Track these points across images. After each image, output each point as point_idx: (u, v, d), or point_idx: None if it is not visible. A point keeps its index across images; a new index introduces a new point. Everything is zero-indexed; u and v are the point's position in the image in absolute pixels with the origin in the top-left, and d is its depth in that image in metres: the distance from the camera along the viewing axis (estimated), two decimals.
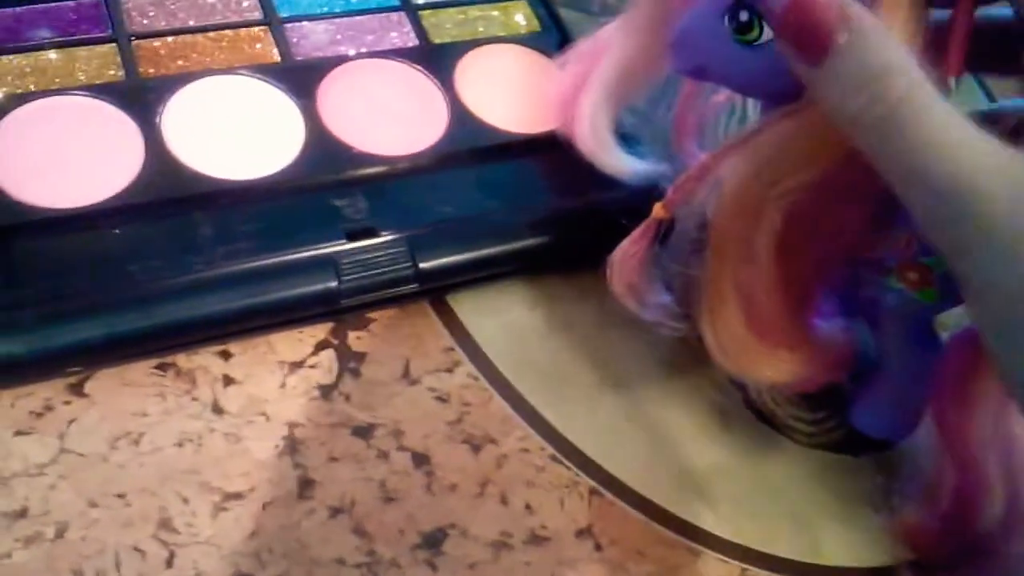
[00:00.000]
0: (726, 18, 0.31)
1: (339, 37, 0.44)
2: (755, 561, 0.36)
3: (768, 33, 0.30)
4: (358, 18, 0.45)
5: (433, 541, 0.34)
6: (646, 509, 0.36)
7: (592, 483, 0.37)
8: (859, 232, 0.33)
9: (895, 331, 0.36)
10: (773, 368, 0.34)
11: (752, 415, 0.40)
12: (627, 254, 0.35)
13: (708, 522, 0.37)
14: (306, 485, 0.34)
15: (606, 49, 0.38)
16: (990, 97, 0.52)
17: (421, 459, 0.36)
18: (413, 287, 0.38)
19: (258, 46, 0.42)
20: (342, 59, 0.43)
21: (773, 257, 0.32)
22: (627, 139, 0.40)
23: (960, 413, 0.34)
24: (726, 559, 0.36)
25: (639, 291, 0.36)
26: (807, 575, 0.36)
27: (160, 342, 0.35)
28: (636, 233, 0.35)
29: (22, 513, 0.32)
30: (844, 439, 0.40)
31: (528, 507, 0.36)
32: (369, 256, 0.37)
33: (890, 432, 0.39)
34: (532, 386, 0.38)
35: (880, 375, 0.38)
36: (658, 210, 0.34)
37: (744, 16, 0.30)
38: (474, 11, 0.47)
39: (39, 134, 0.38)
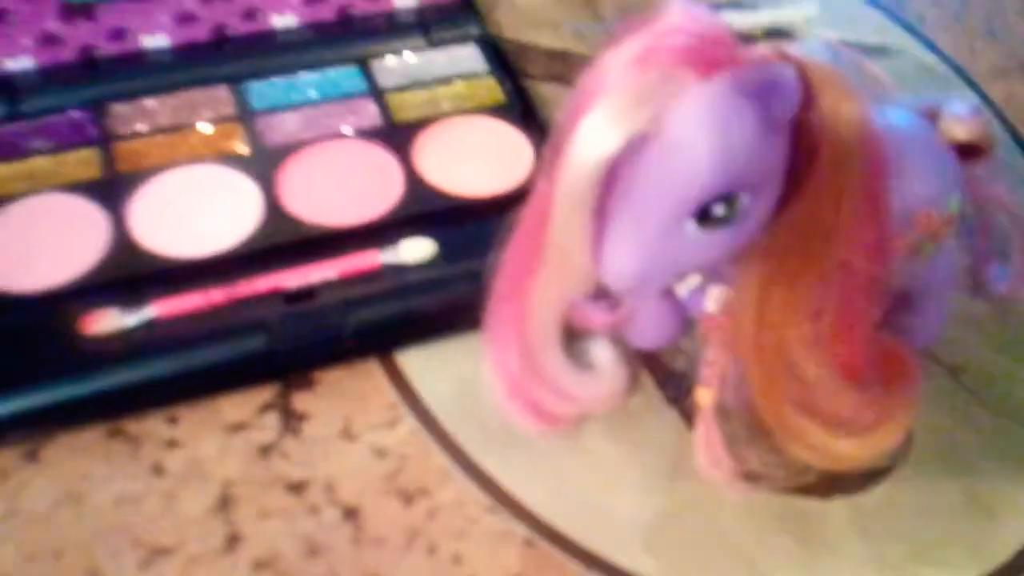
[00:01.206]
0: (693, 221, 0.28)
1: (307, 123, 0.46)
2: None
3: (746, 199, 0.28)
4: (327, 105, 0.47)
5: None
6: (584, 558, 0.35)
7: (528, 533, 0.36)
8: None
9: (931, 272, 0.37)
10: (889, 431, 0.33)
11: None
12: (709, 449, 0.35)
13: (650, 570, 0.35)
14: (233, 540, 0.35)
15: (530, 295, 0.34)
16: None
17: (351, 512, 0.36)
18: (349, 346, 0.39)
19: (229, 138, 0.45)
20: (306, 142, 0.45)
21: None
22: None
23: None
24: None
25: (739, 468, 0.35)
26: None
27: (102, 409, 0.37)
28: (702, 429, 0.35)
29: None
30: (818, 481, 0.37)
31: (456, 558, 0.35)
32: (307, 318, 0.39)
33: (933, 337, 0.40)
34: (474, 437, 0.38)
35: (926, 304, 0.38)
36: (704, 394, 0.34)
37: (720, 209, 0.27)
38: (441, 90, 0.48)
39: (17, 229, 0.41)
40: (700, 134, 0.26)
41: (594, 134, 0.27)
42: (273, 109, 0.47)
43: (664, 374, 0.40)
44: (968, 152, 0.35)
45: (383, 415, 0.39)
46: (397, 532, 0.35)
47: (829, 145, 0.28)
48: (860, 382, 0.31)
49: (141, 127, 0.46)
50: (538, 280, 0.32)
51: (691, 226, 0.27)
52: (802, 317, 0.30)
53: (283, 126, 0.46)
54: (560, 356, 0.35)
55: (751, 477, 0.34)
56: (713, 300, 0.33)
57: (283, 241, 0.41)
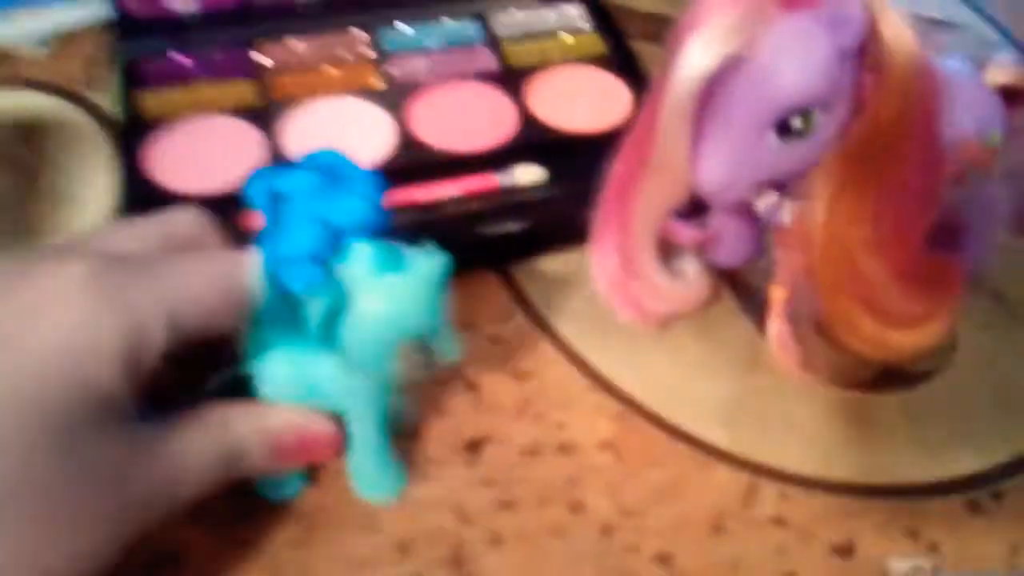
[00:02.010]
0: (773, 133, 0.34)
1: (433, 66, 0.53)
2: (764, 474, 0.40)
3: (819, 116, 0.33)
4: (450, 51, 0.54)
5: (475, 446, 0.40)
6: (666, 428, 0.41)
7: (620, 408, 0.42)
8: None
9: (977, 201, 0.42)
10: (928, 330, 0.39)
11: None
12: (780, 339, 0.41)
13: (723, 441, 0.41)
14: None
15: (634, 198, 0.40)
16: None
17: (472, 385, 0.42)
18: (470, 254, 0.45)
19: (365, 76, 0.52)
20: (431, 82, 0.52)
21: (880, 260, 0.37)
22: None
23: None
24: (736, 470, 0.40)
25: (806, 358, 0.41)
26: (814, 488, 0.40)
27: None
28: (775, 322, 0.40)
29: None
30: (872, 378, 0.43)
31: (560, 424, 0.41)
32: (434, 227, 0.45)
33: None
34: (575, 331, 0.44)
35: (976, 230, 0.43)
36: (778, 291, 0.40)
37: (798, 123, 0.33)
38: (550, 42, 0.55)
39: (187, 144, 0.48)
40: (784, 58, 0.33)
41: (695, 54, 0.33)
42: (404, 51, 0.54)
43: (743, 288, 0.46)
44: (1011, 97, 0.41)
45: (498, 312, 0.45)
46: (510, 402, 0.42)
47: (890, 70, 0.34)
48: (910, 282, 0.37)
49: (290, 63, 0.53)
50: (642, 187, 0.38)
51: (772, 137, 0.34)
52: (864, 223, 0.36)
53: (412, 67, 0.53)
54: (655, 260, 0.41)
55: (815, 367, 0.40)
56: (788, 213, 0.39)
57: (413, 163, 0.48)
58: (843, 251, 0.36)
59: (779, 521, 0.39)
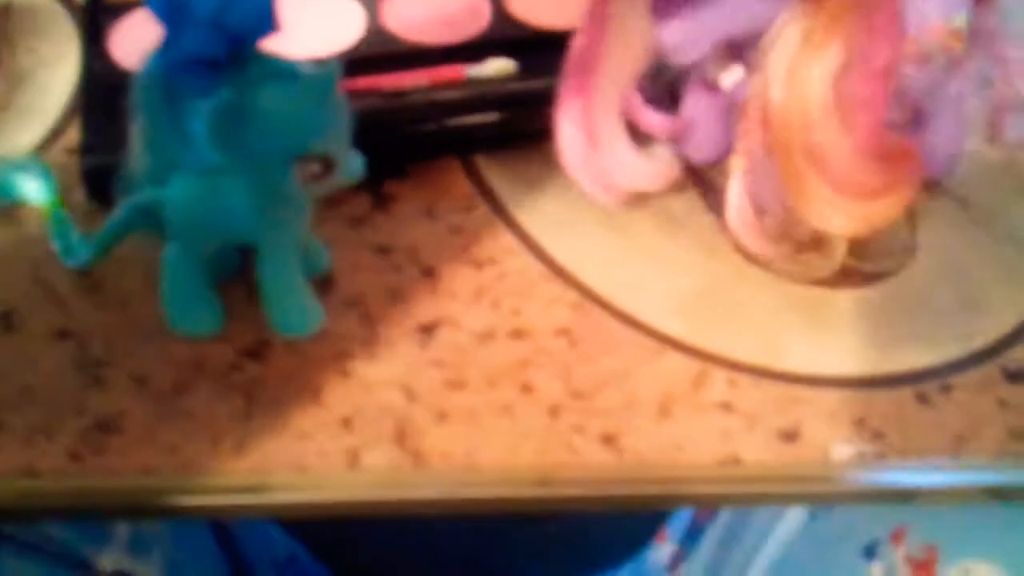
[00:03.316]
0: None
1: None
2: (714, 362, 0.40)
3: None
4: None
5: (428, 328, 0.40)
6: (622, 317, 0.41)
7: (578, 298, 0.42)
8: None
9: (943, 87, 0.42)
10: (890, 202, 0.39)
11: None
12: (739, 210, 0.40)
13: (678, 330, 0.41)
14: (326, 283, 0.41)
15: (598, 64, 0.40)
16: None
17: (429, 271, 0.42)
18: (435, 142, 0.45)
19: None
20: None
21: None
22: None
23: None
24: (688, 358, 0.40)
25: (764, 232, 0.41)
26: (764, 377, 0.39)
27: None
28: (733, 191, 0.40)
29: None
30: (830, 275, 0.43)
31: (515, 311, 0.41)
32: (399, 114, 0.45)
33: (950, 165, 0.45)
34: (537, 223, 0.44)
35: (938, 122, 0.43)
36: (737, 163, 0.40)
37: None
38: None
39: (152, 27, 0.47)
40: None
41: None
42: None
43: (708, 185, 0.46)
44: None
45: (461, 202, 0.45)
46: (468, 289, 0.42)
47: None
48: (868, 154, 0.37)
49: None
50: (604, 53, 0.38)
51: None
52: (824, 87, 0.36)
53: None
54: (621, 131, 0.40)
55: (773, 242, 0.40)
56: (753, 87, 0.38)
57: (382, 52, 0.47)
58: (802, 114, 0.36)
59: (726, 406, 0.38)
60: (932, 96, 0.41)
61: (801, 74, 0.35)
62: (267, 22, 0.32)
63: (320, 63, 0.33)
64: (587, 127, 0.40)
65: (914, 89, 0.40)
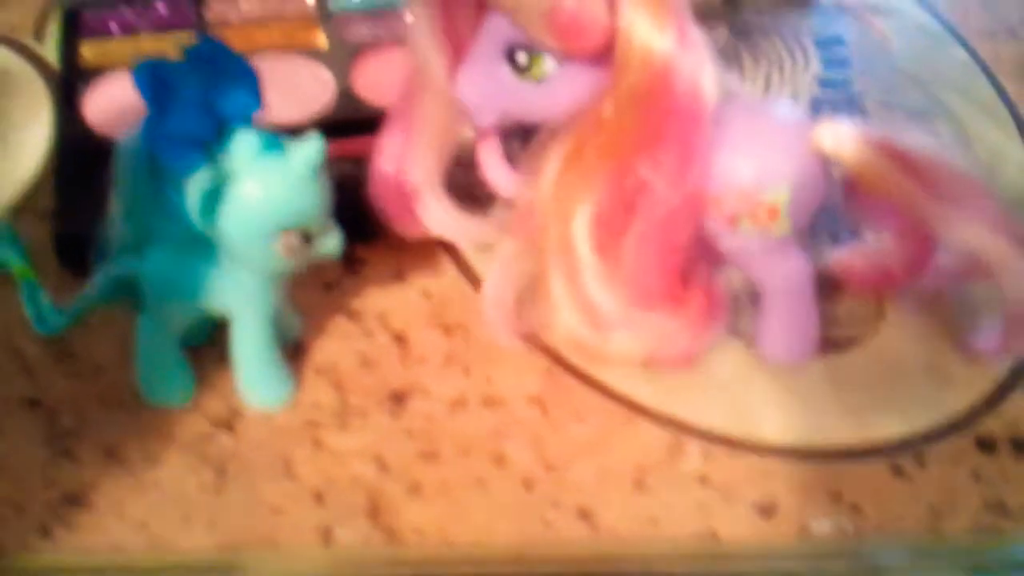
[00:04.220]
0: (507, 63, 0.35)
1: (375, 28, 0.53)
2: (688, 432, 0.40)
3: (551, 64, 0.34)
4: (392, 13, 0.54)
5: (399, 397, 0.40)
6: (594, 385, 0.41)
7: (549, 364, 0.42)
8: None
9: (767, 266, 0.40)
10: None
11: None
12: (496, 297, 0.41)
13: (649, 398, 0.41)
14: (297, 350, 0.41)
15: (416, 115, 0.40)
16: None
17: (400, 337, 0.42)
18: None
19: (309, 33, 0.52)
20: (373, 43, 0.52)
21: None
22: None
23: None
24: (661, 428, 0.40)
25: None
26: (738, 447, 0.39)
27: None
28: (495, 274, 0.41)
29: None
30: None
31: (488, 379, 0.41)
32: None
33: (798, 352, 0.42)
34: None
35: (769, 307, 0.41)
36: (507, 247, 0.40)
37: (523, 58, 0.34)
38: None
39: (127, 93, 0.47)
40: None
41: None
42: (348, 12, 0.53)
43: None
44: (852, 187, 0.38)
45: (430, 266, 0.45)
46: (438, 355, 0.42)
47: (622, 70, 0.34)
48: (633, 296, 0.38)
49: (234, 17, 0.52)
50: (420, 104, 0.39)
51: (506, 67, 0.35)
52: (589, 200, 0.36)
53: (356, 28, 0.53)
54: (434, 180, 0.41)
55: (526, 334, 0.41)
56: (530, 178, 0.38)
57: (351, 117, 0.47)
58: (562, 220, 0.36)
59: (702, 479, 0.38)
60: (764, 273, 0.40)
61: (570, 175, 0.35)
62: (253, 102, 0.32)
63: (304, 138, 0.33)
64: (399, 167, 0.40)
65: (733, 256, 0.39)
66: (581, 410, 0.40)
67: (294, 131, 0.45)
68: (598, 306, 0.38)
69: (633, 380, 0.41)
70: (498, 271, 0.40)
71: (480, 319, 0.43)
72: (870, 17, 0.60)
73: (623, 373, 0.41)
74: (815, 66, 0.56)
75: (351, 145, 0.45)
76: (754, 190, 0.36)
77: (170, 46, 0.50)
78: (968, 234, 0.37)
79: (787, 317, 0.42)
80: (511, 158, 0.40)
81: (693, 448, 0.39)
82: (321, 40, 0.52)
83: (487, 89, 0.35)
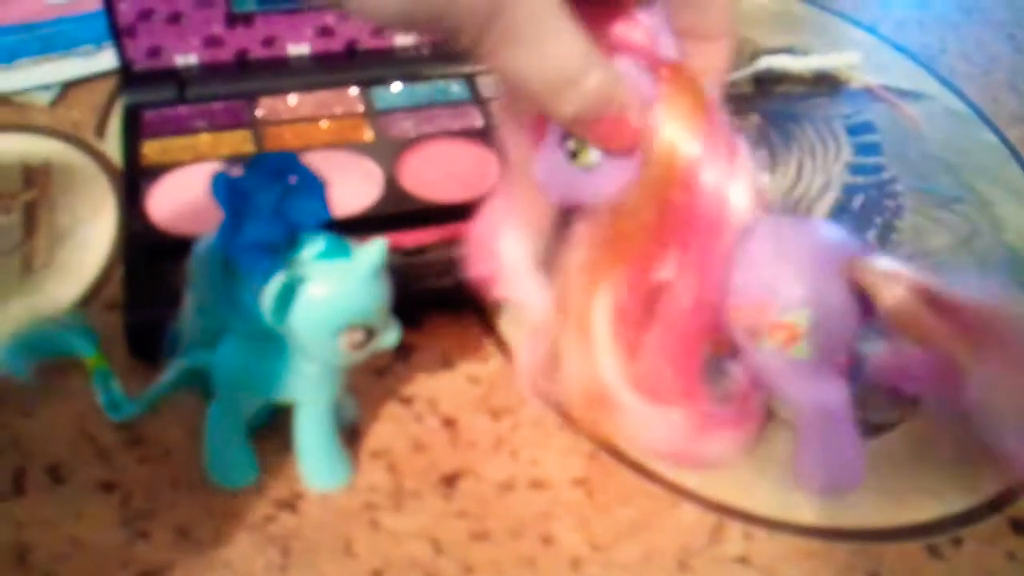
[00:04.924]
0: (562, 151, 0.37)
1: (421, 122, 0.55)
2: (729, 514, 0.41)
3: (595, 154, 0.36)
4: (437, 108, 0.57)
5: (450, 480, 0.42)
6: (637, 468, 0.43)
7: (593, 448, 0.43)
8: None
9: (795, 390, 0.39)
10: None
11: None
12: (528, 369, 0.43)
13: (691, 481, 0.42)
14: (352, 434, 0.43)
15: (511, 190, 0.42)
16: None
17: (449, 422, 0.44)
18: (451, 296, 0.47)
19: (357, 130, 0.55)
20: (420, 138, 0.54)
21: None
22: None
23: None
24: (703, 510, 0.41)
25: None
26: (778, 529, 0.41)
27: None
28: (525, 350, 0.43)
29: None
30: None
31: (534, 462, 0.43)
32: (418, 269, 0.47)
33: (836, 483, 0.42)
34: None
35: (803, 433, 0.41)
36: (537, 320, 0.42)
37: (572, 145, 0.37)
38: None
39: (183, 190, 0.50)
40: None
41: None
42: (395, 108, 0.56)
43: None
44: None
45: (476, 352, 0.47)
46: (486, 439, 0.43)
47: (648, 173, 0.36)
48: (652, 388, 0.39)
49: (285, 116, 0.55)
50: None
51: (562, 155, 0.37)
52: (610, 286, 0.38)
53: (402, 123, 0.55)
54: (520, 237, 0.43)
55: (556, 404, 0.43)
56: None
57: (399, 211, 0.50)
58: (583, 300, 0.38)
59: (743, 560, 0.40)
60: (793, 396, 0.39)
61: (597, 261, 0.38)
62: (323, 210, 0.34)
63: (368, 242, 0.35)
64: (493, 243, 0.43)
65: (761, 373, 0.39)
66: (625, 493, 0.42)
67: (347, 224, 0.48)
68: (607, 388, 0.39)
69: (679, 468, 0.43)
70: (528, 340, 0.43)
71: (525, 403, 0.45)
72: (900, 103, 0.62)
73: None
74: (846, 152, 0.58)
75: (401, 237, 0.48)
76: (770, 308, 0.37)
77: (226, 144, 0.53)
78: (990, 392, 0.36)
79: (822, 445, 0.40)
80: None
81: (734, 529, 0.41)
82: (368, 135, 0.55)
83: (551, 173, 0.38)
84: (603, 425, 0.41)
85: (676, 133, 0.36)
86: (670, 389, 0.40)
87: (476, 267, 0.43)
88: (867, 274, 0.36)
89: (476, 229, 0.43)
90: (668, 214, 0.37)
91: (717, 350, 0.40)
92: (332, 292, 0.34)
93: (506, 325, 0.48)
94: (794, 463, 0.42)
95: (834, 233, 0.39)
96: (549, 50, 0.32)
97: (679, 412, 0.40)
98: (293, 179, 0.35)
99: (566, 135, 0.37)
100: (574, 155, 0.37)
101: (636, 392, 0.39)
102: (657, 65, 0.36)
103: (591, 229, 0.39)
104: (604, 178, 0.37)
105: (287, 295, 0.34)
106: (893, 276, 0.36)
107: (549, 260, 0.41)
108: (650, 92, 0.35)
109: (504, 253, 0.42)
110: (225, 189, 0.34)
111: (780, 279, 0.37)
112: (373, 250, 0.34)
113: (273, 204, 0.33)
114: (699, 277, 0.38)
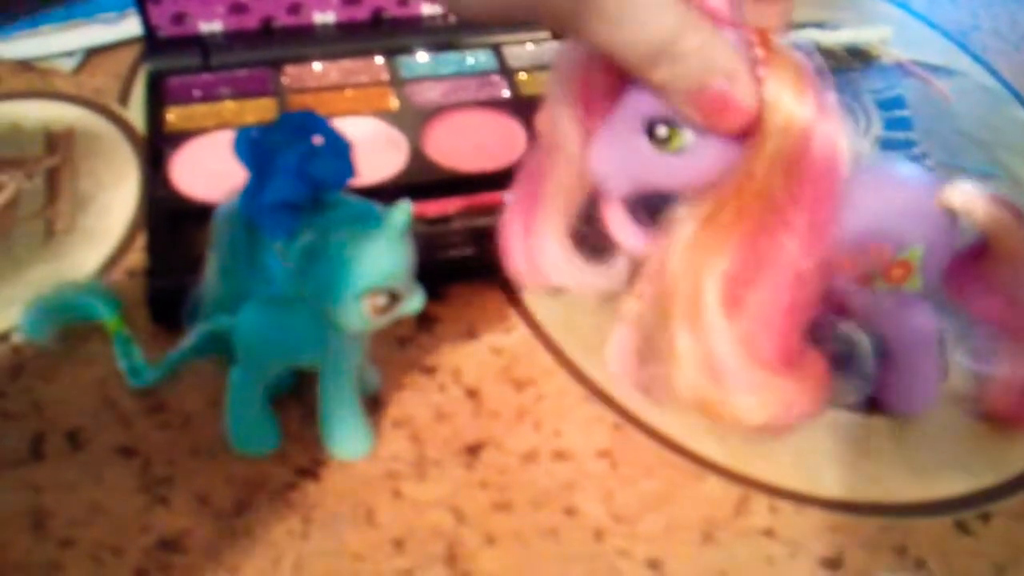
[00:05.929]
0: (645, 136, 0.35)
1: (447, 92, 0.55)
2: (755, 487, 0.41)
3: (690, 136, 0.34)
4: (464, 78, 0.56)
5: (473, 449, 0.41)
6: (662, 440, 0.42)
7: (616, 419, 0.43)
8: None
9: (897, 322, 0.41)
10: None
11: None
12: (619, 351, 0.40)
13: (716, 454, 0.42)
14: (373, 403, 0.43)
15: (545, 176, 0.40)
16: None
17: (472, 392, 0.43)
18: (474, 264, 0.46)
19: (383, 99, 0.54)
20: (445, 107, 0.54)
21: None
22: None
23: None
24: (728, 483, 0.41)
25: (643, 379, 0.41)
26: (804, 502, 0.40)
27: None
28: (619, 334, 0.40)
29: None
30: (858, 403, 0.44)
31: (557, 433, 0.42)
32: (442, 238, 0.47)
33: (924, 404, 0.44)
34: (575, 345, 0.46)
35: (897, 360, 0.42)
36: (630, 307, 0.39)
37: (663, 132, 0.34)
38: None
39: (210, 156, 0.50)
40: None
41: None
42: (421, 78, 0.56)
43: None
44: (977, 255, 0.40)
45: (500, 323, 0.46)
46: (510, 410, 0.43)
47: (764, 138, 0.34)
48: (758, 357, 0.37)
49: (310, 84, 0.55)
50: (549, 174, 0.39)
51: (644, 140, 0.34)
52: (722, 262, 0.36)
53: (428, 92, 0.55)
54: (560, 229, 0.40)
55: (651, 391, 0.40)
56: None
57: (424, 180, 0.50)
58: (693, 281, 0.36)
59: (769, 533, 0.39)
60: (893, 328, 0.41)
61: (705, 238, 0.36)
62: (347, 170, 0.34)
63: (392, 205, 0.35)
64: (527, 221, 0.40)
65: (863, 311, 0.40)
66: (649, 464, 0.41)
67: (372, 192, 0.48)
68: (724, 366, 0.37)
69: (700, 435, 0.42)
70: (622, 329, 0.40)
71: (549, 375, 0.44)
72: (932, 78, 0.61)
73: (691, 428, 0.43)
74: (877, 127, 0.57)
75: (425, 207, 0.48)
76: (889, 250, 0.39)
77: (251, 112, 0.53)
78: None
79: (916, 370, 0.43)
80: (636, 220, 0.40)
81: (760, 502, 0.40)
82: (394, 104, 0.54)
83: (623, 160, 0.35)
84: (716, 407, 0.40)
85: (792, 98, 0.35)
86: (774, 355, 0.38)
87: (513, 257, 0.41)
88: (959, 198, 0.39)
89: (508, 219, 0.41)
90: (787, 180, 0.35)
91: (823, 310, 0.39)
92: (356, 253, 0.34)
93: (530, 297, 0.48)
94: (884, 388, 0.44)
95: (915, 170, 0.41)
96: (642, 15, 0.31)
97: (788, 381, 0.38)
98: (317, 139, 0.34)
99: (654, 120, 0.34)
100: (665, 141, 0.35)
101: (751, 366, 0.37)
102: (746, 32, 0.34)
103: (693, 209, 0.36)
104: (695, 161, 0.35)
105: (309, 258, 0.33)
106: (982, 196, 0.39)
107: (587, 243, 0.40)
108: (747, 60, 0.34)
109: (546, 248, 0.41)
110: (248, 147, 0.33)
111: (891, 221, 0.39)
112: (398, 212, 0.34)
113: (297, 163, 0.33)
114: (814, 233, 0.36)
